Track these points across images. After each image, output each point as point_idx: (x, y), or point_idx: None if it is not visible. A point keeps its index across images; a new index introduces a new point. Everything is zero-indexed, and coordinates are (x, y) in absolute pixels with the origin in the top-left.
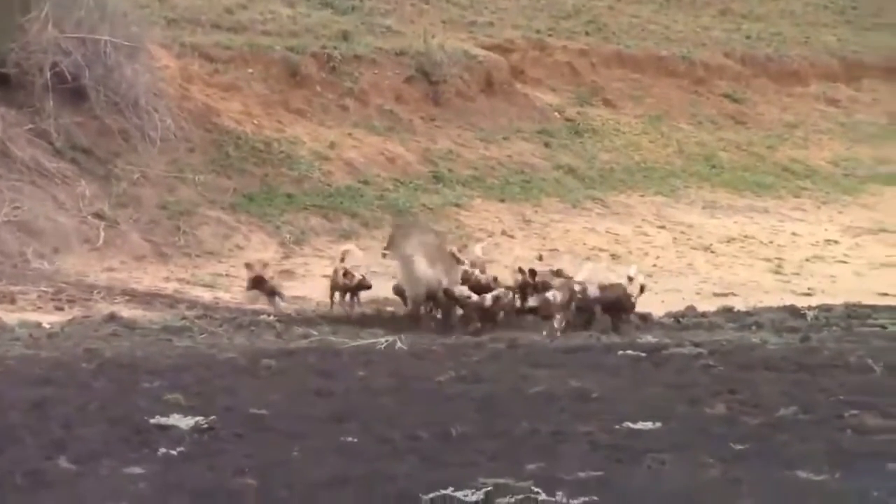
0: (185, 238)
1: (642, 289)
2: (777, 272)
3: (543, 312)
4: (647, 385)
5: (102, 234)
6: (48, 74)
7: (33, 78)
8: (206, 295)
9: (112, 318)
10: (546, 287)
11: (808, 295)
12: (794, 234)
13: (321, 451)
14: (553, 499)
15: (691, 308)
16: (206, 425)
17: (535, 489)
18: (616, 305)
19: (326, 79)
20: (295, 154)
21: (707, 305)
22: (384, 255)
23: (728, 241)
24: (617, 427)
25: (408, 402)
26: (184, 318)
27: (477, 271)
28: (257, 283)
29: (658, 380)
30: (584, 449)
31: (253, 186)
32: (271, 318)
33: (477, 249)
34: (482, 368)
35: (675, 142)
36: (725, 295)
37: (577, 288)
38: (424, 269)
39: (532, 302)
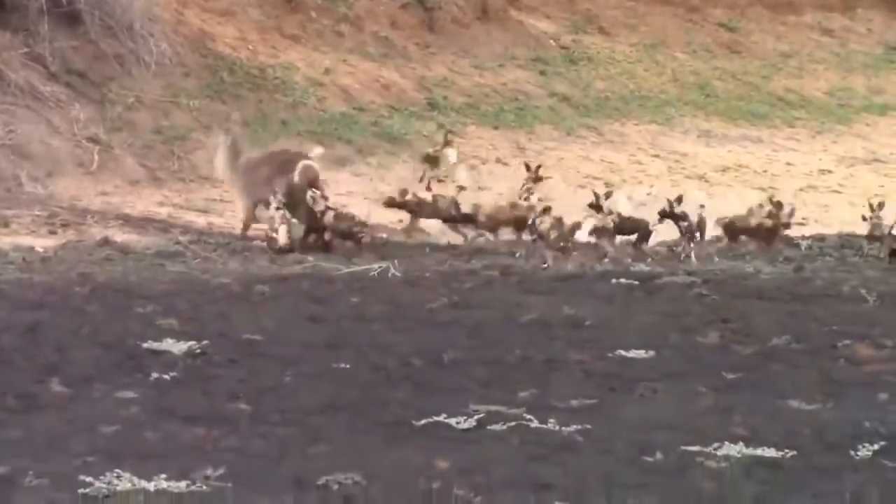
0: (180, 163)
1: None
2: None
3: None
4: (641, 313)
5: (96, 158)
6: None
7: (27, 1)
8: (199, 220)
9: (106, 242)
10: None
11: (802, 224)
12: (788, 163)
13: (314, 377)
14: (545, 426)
15: None
16: (199, 350)
17: (528, 416)
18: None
19: (322, 4)
20: (289, 80)
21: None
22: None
23: (722, 171)
24: (610, 355)
25: (400, 328)
26: (177, 243)
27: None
28: None
29: (651, 308)
30: (577, 377)
31: (247, 112)
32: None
33: (461, 172)
34: (475, 295)
35: (670, 70)
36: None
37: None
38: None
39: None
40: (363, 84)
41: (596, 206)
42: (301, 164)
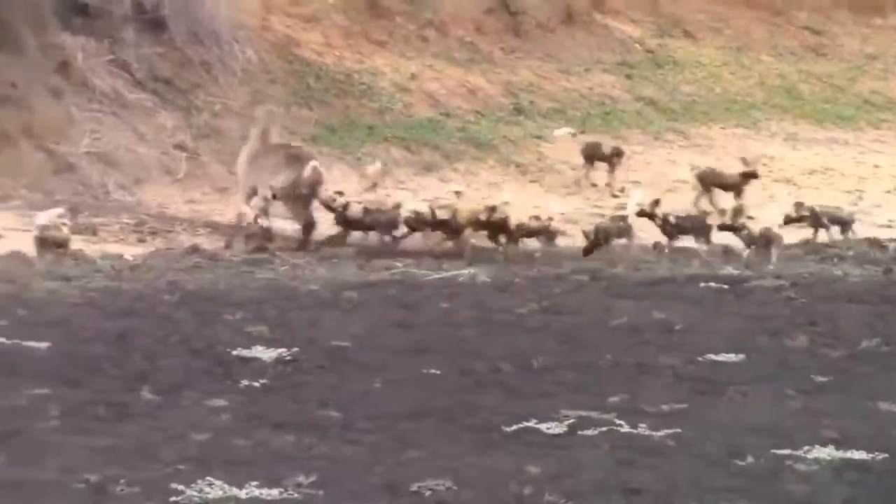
0: None
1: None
2: (858, 204)
3: None
4: (730, 317)
5: (184, 165)
6: (128, 4)
7: (113, 8)
8: (287, 227)
9: (194, 250)
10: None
11: (889, 227)
12: (875, 165)
13: (403, 383)
14: (636, 431)
15: None
16: (288, 357)
17: (618, 421)
18: None
19: (407, 10)
20: (376, 86)
21: (789, 238)
22: None
23: (809, 174)
24: (699, 359)
25: (490, 333)
26: (266, 249)
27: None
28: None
29: (740, 312)
30: (667, 381)
31: (334, 118)
32: None
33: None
34: (564, 300)
35: (756, 74)
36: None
37: None
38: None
39: None
40: (449, 89)
41: (647, 214)
42: (311, 163)
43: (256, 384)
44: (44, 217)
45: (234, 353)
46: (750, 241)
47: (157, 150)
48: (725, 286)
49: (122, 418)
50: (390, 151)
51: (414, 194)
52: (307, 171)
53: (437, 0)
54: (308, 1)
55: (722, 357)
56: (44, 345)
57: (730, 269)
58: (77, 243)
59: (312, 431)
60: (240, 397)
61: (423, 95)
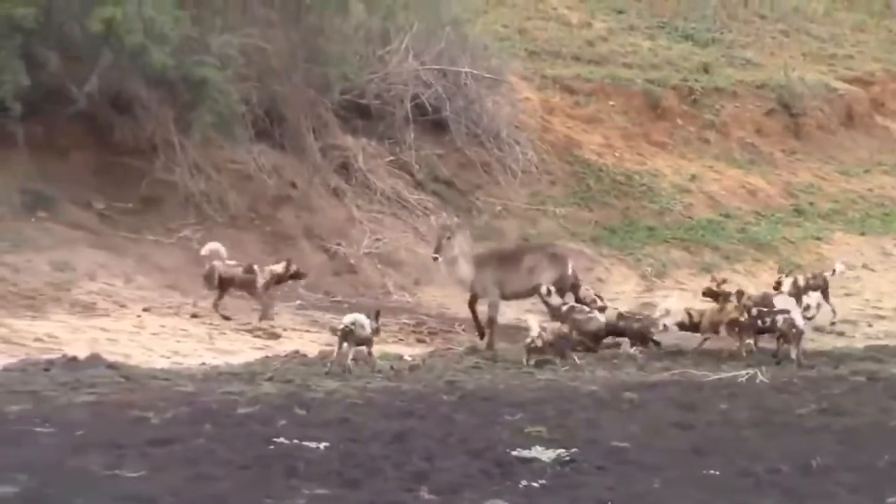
0: None
1: None
2: None
3: None
4: None
5: None
6: (409, 106)
7: (394, 109)
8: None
9: (473, 350)
10: None
11: None
12: None
13: (683, 484)
14: None
15: None
16: (567, 458)
17: None
18: None
19: (687, 111)
20: (656, 187)
21: None
22: (434, 260)
23: None
24: None
25: (769, 435)
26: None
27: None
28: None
29: None
30: None
31: (614, 219)
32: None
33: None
34: (843, 401)
35: None
36: None
37: None
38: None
39: None
40: (729, 190)
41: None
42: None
43: (535, 484)
44: (349, 317)
45: (514, 453)
46: None
47: None
48: None
49: None
50: (670, 252)
51: (693, 295)
52: (569, 269)
53: (717, 102)
54: (589, 102)
55: None
56: (322, 445)
57: None
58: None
59: None
60: (519, 498)
61: (703, 196)
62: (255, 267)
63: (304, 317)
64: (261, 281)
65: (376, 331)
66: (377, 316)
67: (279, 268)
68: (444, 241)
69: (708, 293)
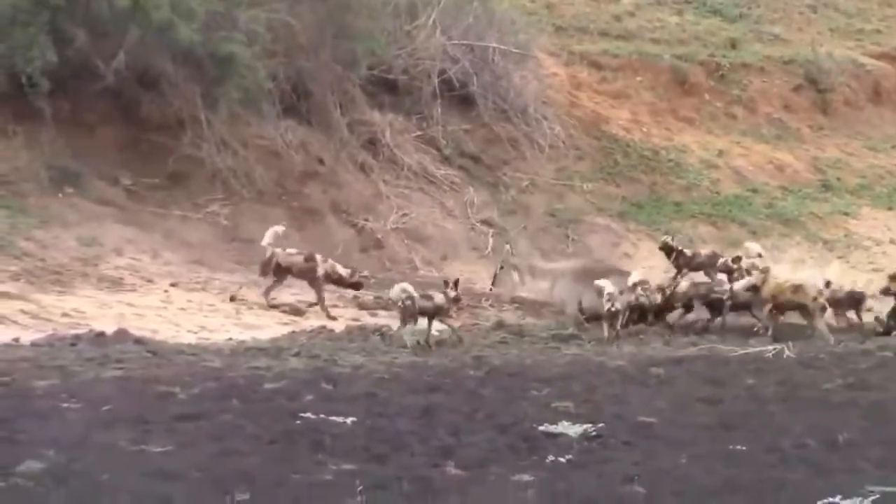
0: (574, 245)
1: None
2: None
3: None
4: None
5: (491, 241)
6: (436, 81)
7: (421, 84)
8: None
9: (500, 325)
10: None
11: None
12: None
13: (709, 459)
14: None
15: None
16: (594, 433)
17: None
18: None
19: (714, 87)
20: (683, 162)
21: None
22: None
23: None
24: None
25: (795, 409)
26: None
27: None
28: None
29: None
30: None
31: (641, 194)
32: None
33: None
34: (870, 376)
35: None
36: None
37: None
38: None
39: None
40: (756, 166)
41: None
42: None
43: (562, 459)
44: (397, 289)
45: (541, 428)
46: None
47: (463, 225)
48: None
49: (427, 494)
50: (697, 228)
51: None
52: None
53: (745, 77)
54: (616, 78)
55: None
56: (349, 419)
57: None
58: (384, 319)
59: None
60: (546, 473)
61: (730, 172)
62: (318, 257)
63: (330, 293)
64: (320, 271)
65: (455, 300)
66: (456, 285)
67: (344, 272)
68: (498, 271)
69: (664, 248)
